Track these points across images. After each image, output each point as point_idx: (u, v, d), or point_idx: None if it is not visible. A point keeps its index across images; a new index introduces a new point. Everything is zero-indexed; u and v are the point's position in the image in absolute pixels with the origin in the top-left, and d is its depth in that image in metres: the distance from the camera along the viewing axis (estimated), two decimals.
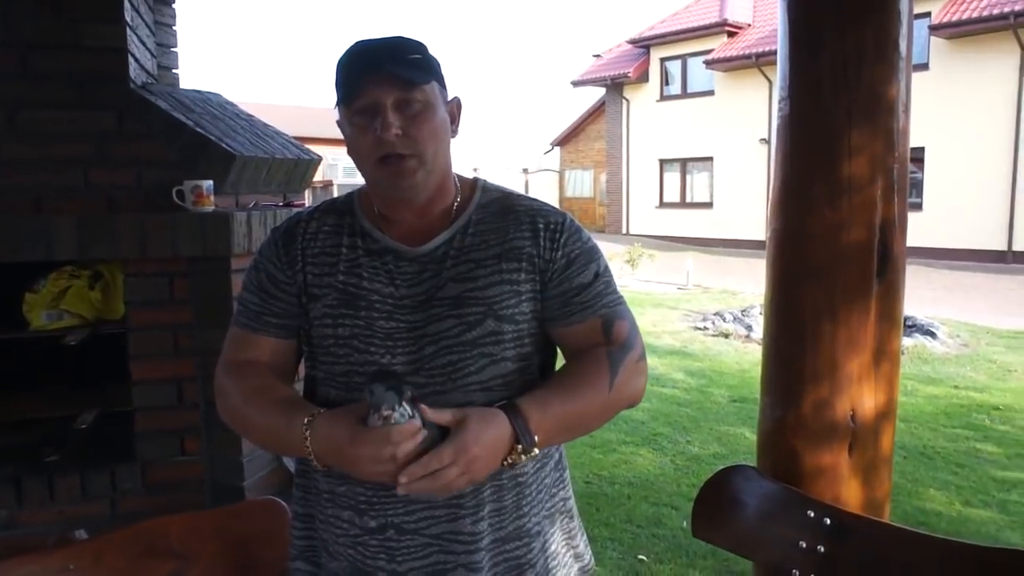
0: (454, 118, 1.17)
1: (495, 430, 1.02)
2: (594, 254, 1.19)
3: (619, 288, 1.23)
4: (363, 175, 1.16)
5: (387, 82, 1.06)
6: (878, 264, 1.62)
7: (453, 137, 1.16)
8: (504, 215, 1.19)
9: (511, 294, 1.14)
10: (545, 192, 24.47)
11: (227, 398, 1.17)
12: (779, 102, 1.70)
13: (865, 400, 1.67)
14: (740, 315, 8.51)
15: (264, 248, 1.22)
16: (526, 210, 1.19)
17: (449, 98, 1.16)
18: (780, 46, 1.70)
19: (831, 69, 1.59)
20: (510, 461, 1.05)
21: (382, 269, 1.15)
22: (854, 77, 1.58)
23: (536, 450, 1.05)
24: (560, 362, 1.22)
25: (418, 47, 1.11)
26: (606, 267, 1.21)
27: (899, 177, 1.62)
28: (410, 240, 1.16)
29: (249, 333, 1.19)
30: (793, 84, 1.65)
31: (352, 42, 1.12)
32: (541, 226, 1.17)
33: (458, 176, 1.21)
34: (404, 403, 0.97)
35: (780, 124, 1.70)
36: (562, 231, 1.17)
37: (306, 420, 1.05)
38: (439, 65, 1.14)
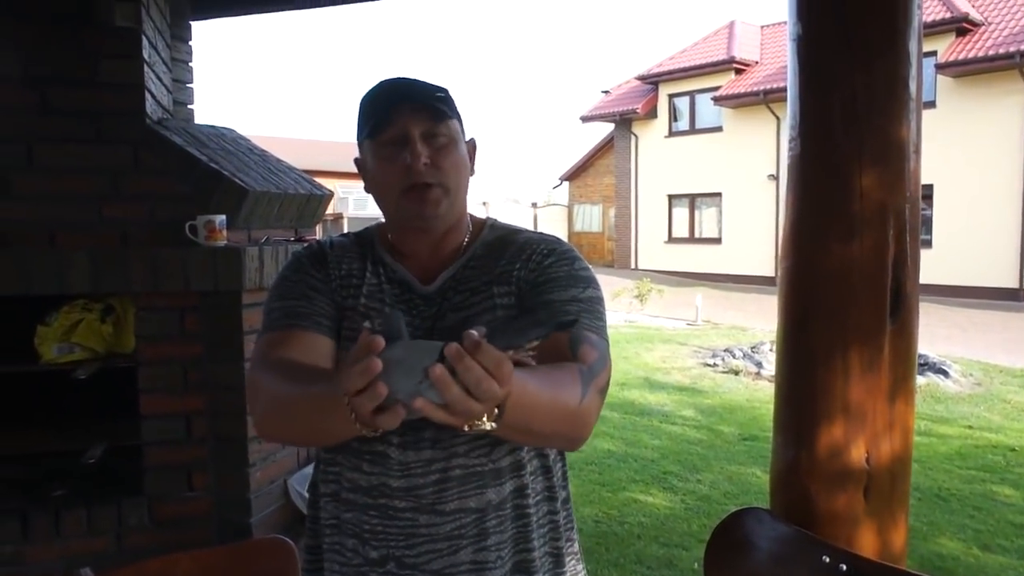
0: (472, 156, 1.21)
1: None
2: (581, 282, 1.14)
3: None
4: (386, 208, 1.17)
5: (416, 112, 1.11)
6: (891, 304, 1.62)
7: (471, 175, 1.20)
8: (503, 247, 1.20)
9: (504, 319, 1.14)
10: (553, 226, 24.57)
11: (263, 390, 1.08)
12: (789, 141, 1.70)
13: (880, 442, 1.65)
14: (750, 352, 8.46)
15: (296, 263, 1.21)
16: (526, 240, 1.21)
17: (467, 139, 1.20)
18: (790, 85, 1.71)
19: (841, 109, 1.60)
20: (468, 426, 0.88)
21: (402, 298, 1.18)
22: (864, 117, 1.58)
23: (494, 424, 0.89)
24: None
25: (441, 87, 1.16)
26: (596, 299, 1.14)
27: (911, 217, 1.62)
28: (422, 276, 1.19)
29: (295, 332, 1.12)
30: (804, 123, 1.66)
31: (375, 81, 1.17)
32: (535, 251, 1.18)
33: (471, 215, 1.24)
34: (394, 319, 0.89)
35: (791, 163, 1.71)
36: (551, 255, 1.17)
37: None
38: (460, 114, 1.18)
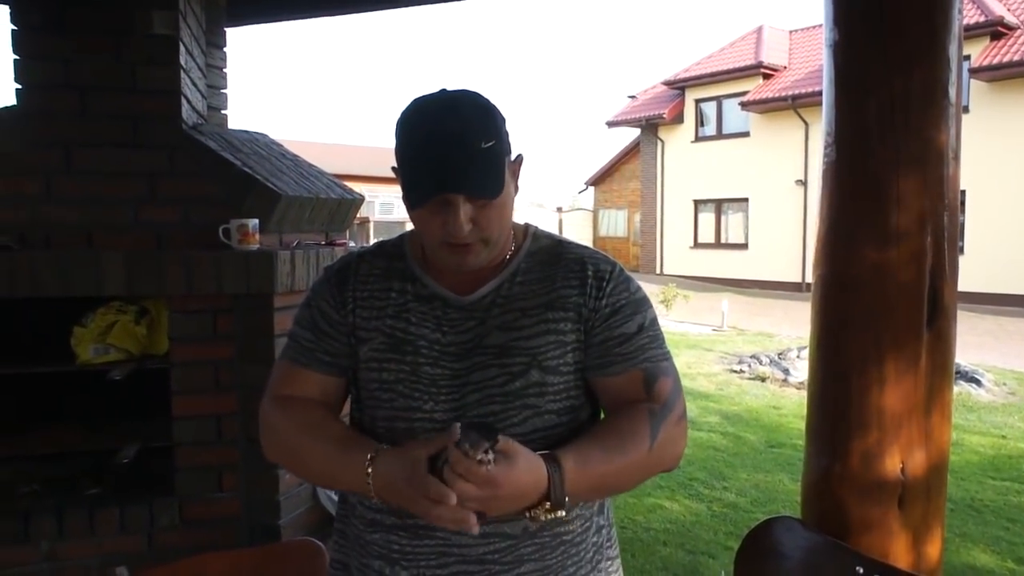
0: (516, 175, 1.12)
1: (532, 477, 0.96)
2: (641, 306, 1.16)
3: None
4: (423, 241, 1.13)
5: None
6: (928, 312, 1.59)
7: (515, 194, 1.12)
8: (552, 263, 1.17)
9: (556, 344, 1.11)
10: (579, 231, 24.52)
11: (277, 432, 1.15)
12: (824, 147, 1.69)
13: (915, 452, 1.62)
14: (777, 358, 8.38)
15: (318, 286, 1.21)
16: (575, 258, 1.17)
17: (513, 158, 1.11)
18: (825, 91, 1.69)
19: (879, 115, 1.58)
20: (531, 515, 0.99)
21: (430, 315, 1.14)
22: (902, 123, 1.56)
23: (562, 512, 1.00)
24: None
25: (489, 125, 1.03)
26: (653, 320, 1.16)
27: (949, 225, 1.60)
28: (459, 287, 1.15)
29: (300, 368, 1.17)
30: (840, 130, 1.65)
31: (408, 104, 1.05)
32: (590, 274, 1.15)
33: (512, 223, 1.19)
34: (490, 452, 0.92)
35: (825, 169, 1.69)
36: (610, 279, 1.15)
37: (369, 456, 1.02)
38: (506, 131, 1.07)
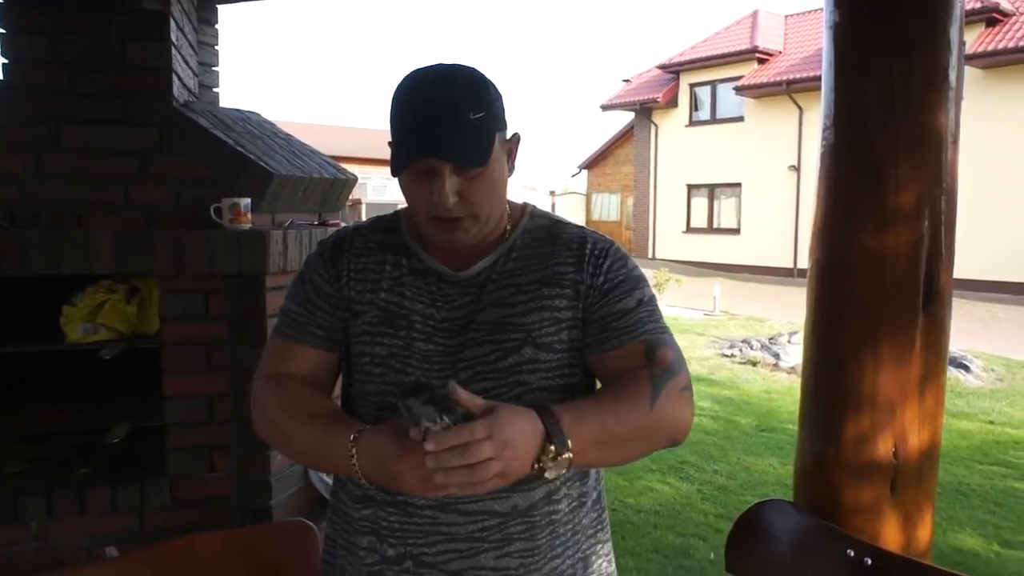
0: (512, 154, 1.11)
1: (527, 420, 0.94)
2: (639, 282, 1.15)
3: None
4: (414, 217, 1.12)
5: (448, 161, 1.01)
6: (924, 297, 1.59)
7: (510, 174, 1.11)
8: (549, 241, 1.16)
9: (551, 321, 1.10)
10: (571, 215, 24.40)
11: (266, 411, 1.14)
12: (823, 130, 1.67)
13: (909, 436, 1.63)
14: (768, 343, 8.41)
15: (312, 260, 1.20)
16: (572, 236, 1.16)
17: (508, 135, 1.10)
18: (825, 74, 1.68)
19: (878, 98, 1.56)
20: (541, 465, 0.95)
21: (425, 290, 1.13)
22: (902, 106, 1.55)
23: (569, 454, 0.95)
24: None
25: (481, 98, 1.02)
26: (652, 297, 1.16)
27: (947, 209, 1.59)
28: (454, 262, 1.14)
29: (292, 344, 1.16)
30: (839, 112, 1.63)
31: (405, 76, 1.04)
32: (587, 251, 1.14)
33: (508, 202, 1.18)
34: (445, 416, 0.90)
35: (823, 153, 1.68)
36: (606, 256, 1.14)
37: (352, 436, 1.00)
38: (502, 107, 1.07)
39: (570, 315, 1.11)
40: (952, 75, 1.55)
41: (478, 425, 0.89)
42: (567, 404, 1.01)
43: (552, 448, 0.94)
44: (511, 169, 1.11)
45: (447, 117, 0.99)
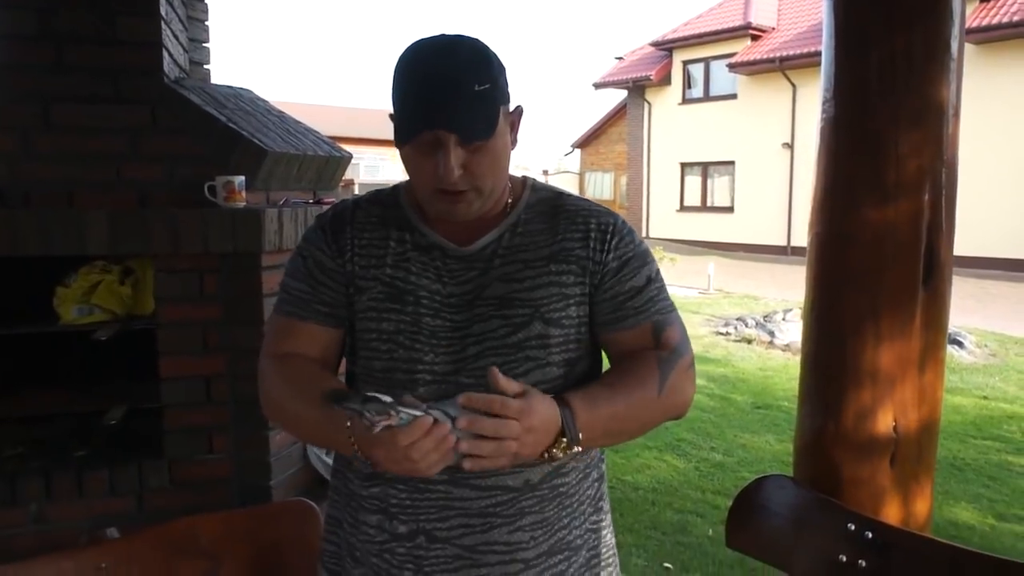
0: (514, 127, 1.10)
1: (551, 411, 0.99)
2: (646, 257, 1.16)
3: None
4: (416, 191, 1.10)
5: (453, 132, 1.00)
6: (924, 271, 1.58)
7: (513, 147, 1.10)
8: (554, 215, 1.15)
9: (559, 297, 1.10)
10: None
11: (271, 391, 1.13)
12: (823, 103, 1.66)
13: (908, 410, 1.63)
14: (762, 320, 8.43)
15: (310, 235, 1.18)
16: (577, 211, 1.16)
17: (511, 108, 1.09)
18: (825, 47, 1.66)
19: (879, 70, 1.55)
20: (550, 454, 1.01)
21: (430, 265, 1.12)
22: (903, 79, 1.53)
23: (578, 448, 1.01)
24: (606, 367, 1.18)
25: (486, 69, 1.01)
26: (658, 271, 1.17)
27: (948, 183, 1.58)
28: (457, 238, 1.13)
29: (296, 321, 1.15)
30: (839, 85, 1.61)
31: (407, 47, 1.02)
32: (592, 227, 1.13)
33: (510, 176, 1.16)
34: (400, 408, 0.89)
35: (823, 127, 1.66)
36: (614, 233, 1.14)
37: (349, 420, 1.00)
38: (505, 79, 1.05)
39: (577, 291, 1.12)
40: (954, 46, 1.54)
41: (512, 404, 0.94)
42: (584, 393, 1.05)
43: (564, 441, 1.01)
44: (514, 142, 1.10)
45: (453, 89, 0.98)
